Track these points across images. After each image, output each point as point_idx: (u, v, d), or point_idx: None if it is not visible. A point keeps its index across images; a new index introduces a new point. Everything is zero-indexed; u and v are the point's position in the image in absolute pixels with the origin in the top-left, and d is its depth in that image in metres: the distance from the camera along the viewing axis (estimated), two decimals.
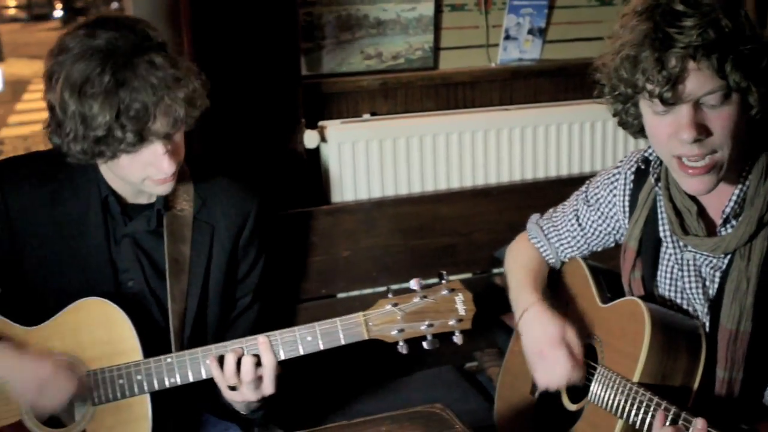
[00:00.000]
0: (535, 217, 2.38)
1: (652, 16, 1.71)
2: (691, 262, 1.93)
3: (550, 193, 3.10)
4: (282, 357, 1.95)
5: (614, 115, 1.92)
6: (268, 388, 1.95)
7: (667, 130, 1.75)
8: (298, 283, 2.85)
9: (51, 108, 1.90)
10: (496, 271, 3.16)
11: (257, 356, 1.93)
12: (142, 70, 1.82)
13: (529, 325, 2.11)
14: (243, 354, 1.94)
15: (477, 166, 3.29)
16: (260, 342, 1.93)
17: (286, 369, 2.00)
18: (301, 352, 1.96)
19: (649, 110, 1.78)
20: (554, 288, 2.30)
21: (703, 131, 1.71)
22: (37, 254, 2.03)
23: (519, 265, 2.28)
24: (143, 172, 1.94)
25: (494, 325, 3.03)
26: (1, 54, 14.85)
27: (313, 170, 3.09)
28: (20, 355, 1.92)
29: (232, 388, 1.95)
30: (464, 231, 3.07)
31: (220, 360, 1.94)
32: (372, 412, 2.71)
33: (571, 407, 2.09)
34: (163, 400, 2.01)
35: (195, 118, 1.93)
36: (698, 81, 1.68)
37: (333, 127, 3.10)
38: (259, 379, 1.94)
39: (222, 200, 2.16)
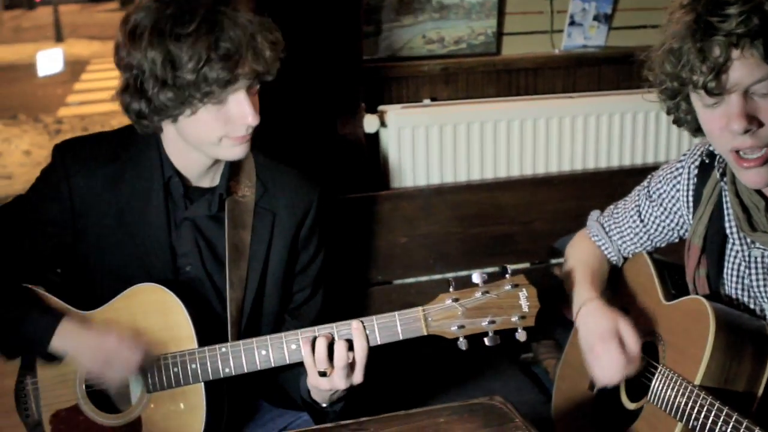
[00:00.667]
0: (595, 214, 2.32)
1: (695, 7, 1.66)
2: (759, 260, 1.87)
3: (612, 183, 3.06)
4: None
5: (667, 113, 1.87)
6: (358, 376, 1.91)
7: (719, 123, 1.69)
8: (355, 268, 2.84)
9: (131, 69, 1.86)
10: (554, 261, 3.11)
11: (349, 341, 1.89)
12: (230, 14, 1.83)
13: (584, 321, 2.06)
14: (334, 339, 1.90)
15: (538, 154, 3.25)
16: (354, 327, 1.89)
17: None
18: None
19: (699, 104, 1.73)
20: (616, 283, 2.25)
21: (754, 122, 1.65)
22: (97, 235, 2.02)
23: (578, 263, 2.23)
24: (223, 129, 1.90)
25: (552, 316, 2.98)
26: (60, 35, 15.04)
27: (371, 155, 3.07)
28: (86, 330, 1.92)
29: (322, 374, 1.91)
30: (523, 220, 3.03)
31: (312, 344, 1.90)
32: (425, 401, 2.73)
33: (630, 406, 2.04)
34: (218, 388, 1.99)
35: (276, 69, 1.91)
36: (744, 69, 1.62)
37: (393, 112, 3.07)
38: (350, 366, 1.90)
39: (284, 188, 2.12)
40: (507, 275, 1.92)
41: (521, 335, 1.92)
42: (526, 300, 1.92)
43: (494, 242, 2.98)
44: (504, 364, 3.04)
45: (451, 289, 1.91)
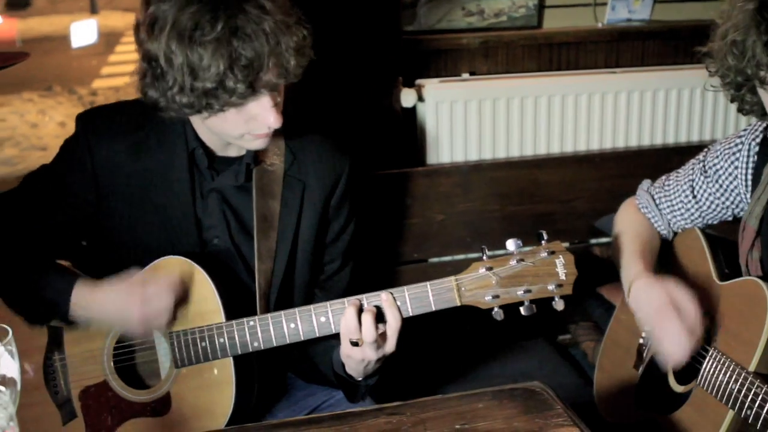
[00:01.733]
0: (646, 183, 2.24)
1: None
2: None
3: (655, 161, 2.98)
4: None
5: (731, 101, 1.78)
6: (391, 345, 1.85)
7: None
8: (390, 245, 2.79)
9: (149, 59, 1.78)
10: (594, 241, 3.05)
11: (380, 312, 1.83)
12: (254, 16, 1.72)
13: (639, 297, 1.97)
14: (362, 308, 1.83)
15: (579, 131, 3.17)
16: (384, 299, 1.83)
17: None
18: None
19: None
20: (666, 259, 2.17)
21: None
22: (120, 208, 1.97)
23: (628, 234, 2.14)
24: (245, 126, 1.85)
25: (590, 297, 2.92)
26: (95, 6, 15.06)
27: (408, 130, 3.00)
28: (103, 288, 1.89)
29: (354, 344, 1.85)
30: (563, 198, 2.96)
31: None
32: (461, 383, 2.69)
33: (678, 389, 1.98)
34: (248, 363, 1.96)
35: (302, 69, 1.82)
36: None
37: (431, 86, 3.01)
38: (381, 337, 1.83)
39: (314, 157, 2.06)
40: (543, 242, 1.83)
41: (558, 304, 1.82)
42: (563, 267, 1.82)
43: (533, 221, 2.91)
44: (540, 345, 2.98)
45: (484, 258, 1.83)
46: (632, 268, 2.04)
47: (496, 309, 1.82)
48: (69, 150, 2.00)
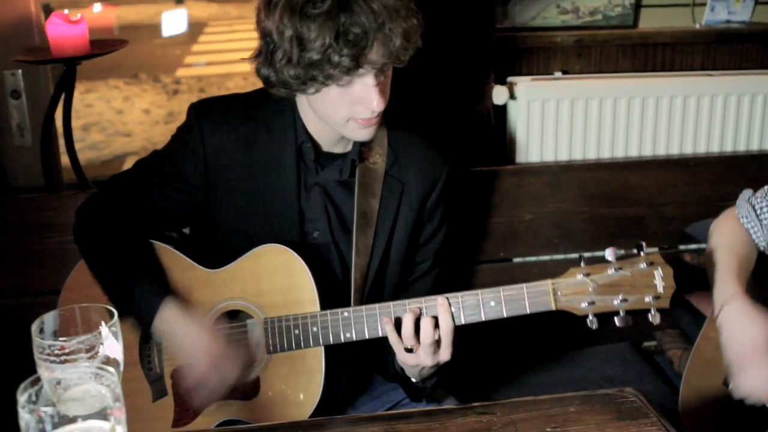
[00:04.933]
0: (747, 193, 2.17)
1: None
2: None
3: (751, 168, 2.90)
4: (462, 321, 1.85)
5: None
6: (445, 353, 1.86)
7: None
8: (476, 243, 2.76)
9: (265, 36, 1.86)
10: (685, 247, 2.98)
11: (436, 318, 1.85)
12: None
13: (730, 323, 1.94)
14: (421, 314, 1.86)
15: (672, 133, 3.11)
16: (439, 304, 1.84)
17: (460, 336, 1.90)
18: (483, 318, 1.85)
19: None
20: (762, 272, 2.11)
21: None
22: (228, 195, 2.01)
23: (725, 248, 2.09)
24: (350, 110, 1.87)
25: (679, 304, 2.85)
26: None
27: (498, 128, 2.98)
28: (189, 323, 1.92)
29: (409, 351, 1.87)
30: (654, 202, 2.90)
31: (397, 322, 1.87)
32: (545, 385, 2.66)
33: None
34: (338, 354, 1.97)
35: (408, 56, 1.85)
36: None
37: (523, 84, 2.98)
38: (437, 343, 1.85)
39: (414, 159, 2.08)
40: (642, 253, 1.80)
41: (655, 317, 1.80)
42: (661, 280, 1.79)
43: (623, 224, 2.86)
44: (626, 350, 2.92)
45: (582, 264, 1.81)
46: (727, 288, 1.99)
47: (590, 317, 1.80)
48: (181, 137, 2.04)
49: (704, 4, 3.22)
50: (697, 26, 3.23)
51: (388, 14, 1.76)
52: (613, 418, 1.67)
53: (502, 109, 2.99)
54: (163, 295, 1.93)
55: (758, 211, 2.10)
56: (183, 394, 1.97)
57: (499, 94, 2.90)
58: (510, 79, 3.02)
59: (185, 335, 1.92)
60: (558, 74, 3.10)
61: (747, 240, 2.11)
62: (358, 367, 2.12)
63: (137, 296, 1.93)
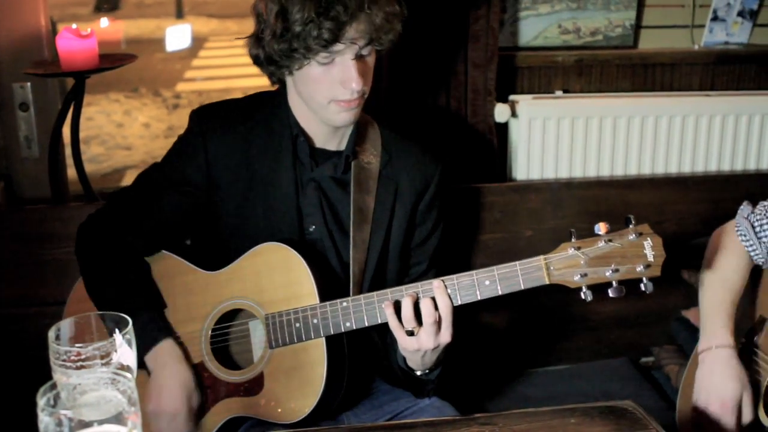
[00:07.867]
0: (746, 210, 2.20)
1: None
2: None
3: (749, 187, 2.93)
4: (459, 302, 1.89)
5: None
6: (446, 334, 1.89)
7: None
8: (476, 259, 2.80)
9: (257, 17, 1.97)
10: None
11: (434, 300, 1.88)
12: None
13: (711, 368, 2.02)
14: (418, 298, 1.89)
15: (671, 152, 3.14)
16: (435, 286, 1.88)
17: (455, 346, 1.94)
18: (479, 297, 1.88)
19: None
20: (757, 286, 2.14)
21: None
22: (230, 195, 2.06)
23: (719, 277, 2.13)
24: (330, 90, 1.94)
25: (675, 320, 2.88)
26: (181, 11, 15.36)
27: (499, 145, 3.01)
28: (173, 372, 1.97)
29: (410, 333, 1.90)
30: (653, 220, 2.88)
31: (396, 307, 1.90)
32: (543, 399, 2.68)
33: None
34: (340, 344, 2.00)
35: (388, 41, 1.94)
36: None
37: (524, 102, 3.01)
38: (437, 324, 1.88)
39: (407, 160, 2.14)
40: (630, 225, 1.83)
41: (647, 286, 1.81)
42: (651, 249, 1.81)
43: None
44: (623, 365, 2.95)
45: (573, 239, 1.84)
46: (717, 330, 2.06)
47: (584, 289, 1.82)
48: (183, 142, 2.10)
49: (703, 26, 3.25)
50: (696, 47, 3.27)
51: None
52: (613, 429, 1.70)
53: (504, 127, 3.02)
54: (160, 335, 1.98)
55: (757, 230, 2.13)
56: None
57: (500, 112, 2.93)
58: (512, 97, 3.05)
59: (165, 381, 1.96)
60: (559, 93, 3.13)
61: (740, 266, 2.14)
62: (360, 368, 2.15)
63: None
